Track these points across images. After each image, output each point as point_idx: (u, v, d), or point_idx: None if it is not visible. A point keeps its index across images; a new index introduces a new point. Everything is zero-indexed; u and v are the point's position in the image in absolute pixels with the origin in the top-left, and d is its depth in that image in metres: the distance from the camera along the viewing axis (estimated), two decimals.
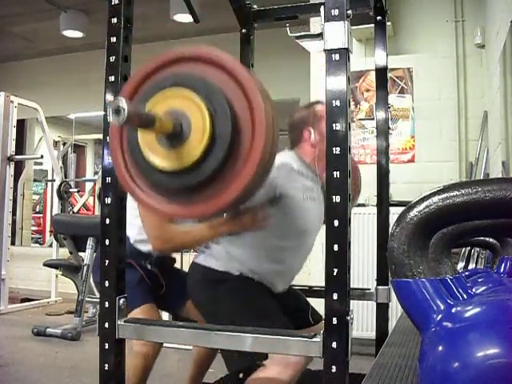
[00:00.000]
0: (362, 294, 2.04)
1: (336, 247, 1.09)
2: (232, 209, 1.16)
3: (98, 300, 1.30)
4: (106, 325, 1.26)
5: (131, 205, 1.93)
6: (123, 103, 0.89)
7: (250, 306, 1.64)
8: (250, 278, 1.69)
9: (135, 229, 1.96)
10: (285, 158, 1.71)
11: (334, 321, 1.08)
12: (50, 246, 5.42)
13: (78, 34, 5.62)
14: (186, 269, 2.26)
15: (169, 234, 1.77)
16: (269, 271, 1.71)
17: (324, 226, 1.13)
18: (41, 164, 7.59)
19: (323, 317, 1.97)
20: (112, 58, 1.27)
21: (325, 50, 1.12)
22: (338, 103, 1.11)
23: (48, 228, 7.20)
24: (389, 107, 2.08)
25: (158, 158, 1.06)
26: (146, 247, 1.99)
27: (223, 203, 1.08)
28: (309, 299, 2.06)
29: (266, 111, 1.05)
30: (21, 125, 6.12)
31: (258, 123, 1.05)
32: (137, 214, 1.90)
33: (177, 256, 2.42)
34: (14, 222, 5.54)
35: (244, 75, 1.08)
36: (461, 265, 2.20)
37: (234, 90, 1.07)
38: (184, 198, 1.11)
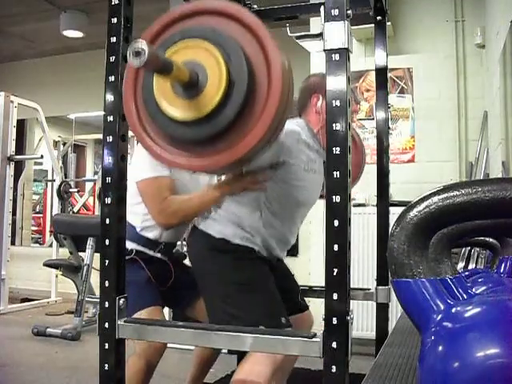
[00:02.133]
0: (362, 294, 2.05)
1: (336, 247, 1.09)
2: (248, 160, 1.15)
3: (98, 300, 1.30)
4: (106, 325, 1.26)
5: (132, 191, 1.95)
6: (144, 45, 0.90)
7: (246, 282, 1.64)
8: (250, 249, 1.68)
9: (139, 216, 1.95)
10: (295, 125, 1.71)
11: (334, 321, 1.08)
12: (50, 246, 5.42)
13: (78, 34, 5.62)
14: None
15: (172, 207, 1.77)
16: (264, 234, 1.71)
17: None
18: (41, 164, 7.58)
19: (308, 306, 1.98)
20: (112, 58, 1.27)
21: (325, 50, 1.12)
22: (337, 103, 1.11)
23: (48, 228, 7.20)
24: (389, 107, 2.08)
25: (175, 108, 1.06)
26: (152, 233, 1.97)
27: (241, 152, 1.07)
28: (309, 299, 2.06)
29: (280, 57, 1.06)
30: (21, 125, 6.11)
31: (274, 69, 1.04)
32: (139, 200, 1.89)
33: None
34: (14, 222, 5.54)
35: (256, 24, 1.09)
36: (461, 265, 2.21)
37: (248, 38, 1.08)
38: (201, 149, 1.10)
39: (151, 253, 2.00)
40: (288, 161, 1.66)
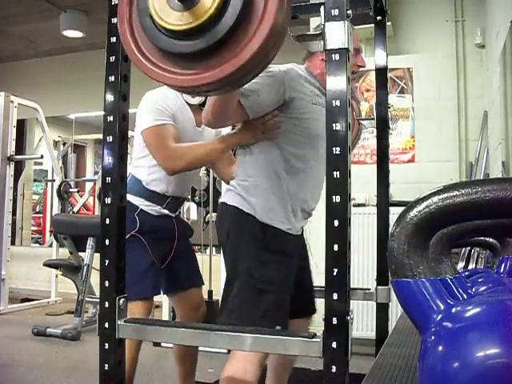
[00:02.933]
0: (362, 294, 2.05)
1: (336, 247, 1.09)
2: (236, 81, 1.14)
3: (98, 300, 1.30)
4: (106, 325, 1.26)
5: (138, 146, 1.95)
6: None
7: (260, 278, 1.58)
8: (277, 233, 1.63)
9: (144, 170, 1.96)
10: (291, 65, 1.71)
11: (334, 321, 1.08)
12: (50, 246, 5.42)
13: (78, 34, 5.63)
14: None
15: (177, 152, 1.78)
16: (290, 187, 1.65)
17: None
18: (41, 164, 7.60)
19: (315, 312, 1.98)
20: (112, 58, 1.27)
21: (325, 50, 1.12)
22: (337, 103, 1.11)
23: (48, 228, 7.21)
24: (389, 107, 2.08)
25: (168, 19, 1.06)
26: (159, 187, 1.97)
27: (230, 69, 1.07)
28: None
29: None
30: (21, 125, 6.12)
31: None
32: (144, 153, 1.91)
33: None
34: (14, 222, 5.55)
35: None
36: (461, 265, 2.20)
37: None
38: (191, 66, 1.10)
39: (158, 208, 1.98)
40: (294, 96, 1.64)
